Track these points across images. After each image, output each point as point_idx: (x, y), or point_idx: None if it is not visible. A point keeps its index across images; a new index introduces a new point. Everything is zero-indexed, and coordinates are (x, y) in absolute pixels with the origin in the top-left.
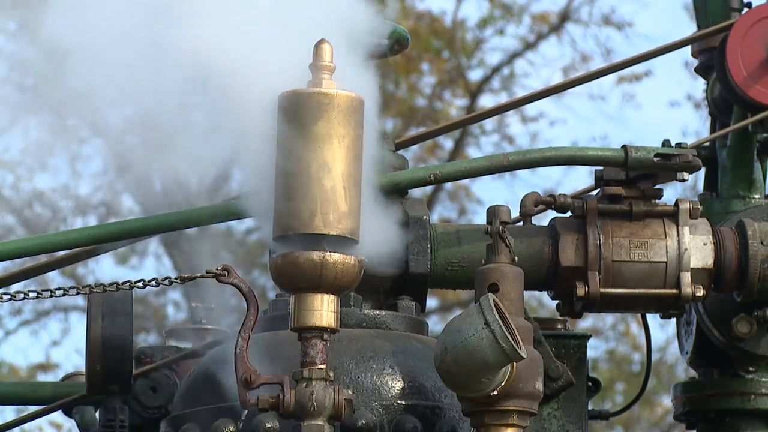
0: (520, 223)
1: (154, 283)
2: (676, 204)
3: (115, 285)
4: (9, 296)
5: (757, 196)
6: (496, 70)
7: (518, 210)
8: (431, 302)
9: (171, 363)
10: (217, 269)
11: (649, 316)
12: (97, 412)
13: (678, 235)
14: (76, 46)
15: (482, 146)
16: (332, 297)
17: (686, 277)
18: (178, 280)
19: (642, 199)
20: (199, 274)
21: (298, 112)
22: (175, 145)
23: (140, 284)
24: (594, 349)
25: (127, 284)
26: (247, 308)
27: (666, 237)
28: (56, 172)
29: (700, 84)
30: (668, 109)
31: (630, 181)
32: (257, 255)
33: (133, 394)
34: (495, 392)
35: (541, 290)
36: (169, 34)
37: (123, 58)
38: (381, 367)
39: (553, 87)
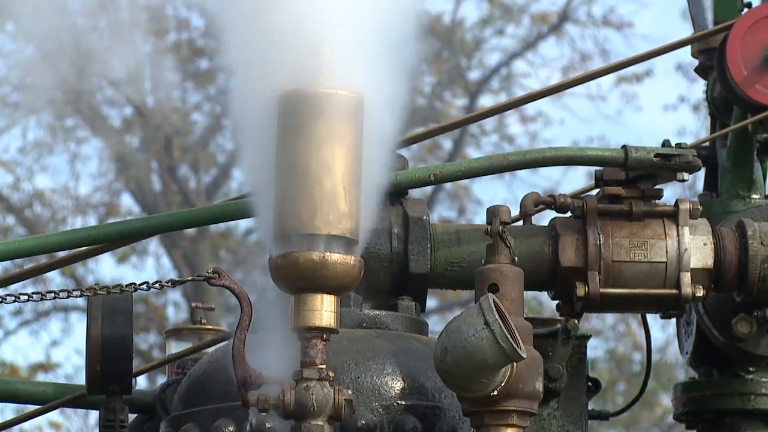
0: (520, 223)
1: (145, 286)
2: (676, 204)
3: (106, 288)
4: (0, 298)
5: (757, 196)
6: (495, 70)
7: (518, 210)
8: (431, 302)
9: (170, 362)
10: (207, 272)
11: (649, 316)
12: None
13: (678, 235)
14: None
15: (482, 146)
16: (332, 297)
17: (686, 278)
18: (169, 284)
19: (642, 199)
20: (190, 277)
21: (299, 112)
22: None
23: (132, 287)
24: (594, 349)
25: (118, 287)
26: (241, 309)
27: (666, 237)
28: (56, 172)
29: (694, 86)
30: (666, 110)
31: (630, 181)
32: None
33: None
34: (495, 392)
35: (541, 290)
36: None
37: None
38: (381, 367)
39: (552, 87)
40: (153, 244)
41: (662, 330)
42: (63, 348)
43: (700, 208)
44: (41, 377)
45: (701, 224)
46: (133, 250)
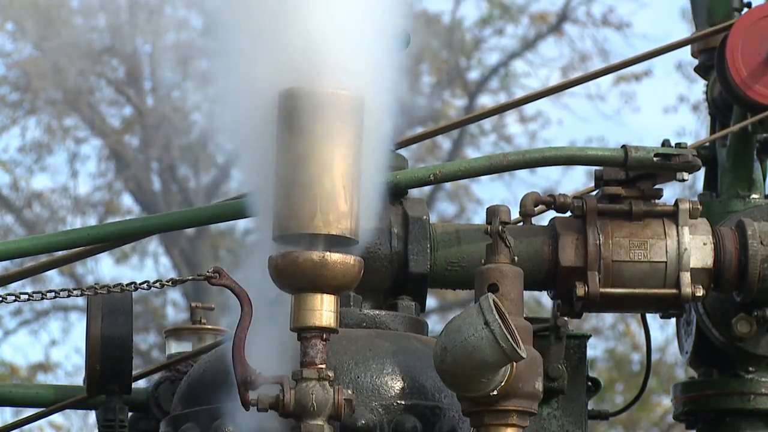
0: (520, 223)
1: (146, 285)
2: (676, 204)
3: (107, 288)
4: (1, 298)
5: (757, 196)
6: (494, 70)
7: (518, 210)
8: (431, 302)
9: (172, 365)
10: (208, 271)
11: (649, 316)
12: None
13: (678, 235)
14: None
15: (481, 146)
16: (332, 297)
17: (686, 277)
18: (170, 283)
19: (642, 199)
20: (191, 277)
21: (298, 112)
22: None
23: (132, 286)
24: (594, 349)
25: (119, 287)
26: (241, 308)
27: (666, 237)
28: (55, 172)
29: (694, 86)
30: (666, 111)
31: (630, 181)
32: None
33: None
34: (495, 392)
35: (541, 290)
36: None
37: None
38: (381, 367)
39: (552, 87)
40: (152, 243)
41: (662, 330)
42: (62, 348)
43: (700, 208)
44: (41, 377)
45: (701, 224)
46: (133, 249)
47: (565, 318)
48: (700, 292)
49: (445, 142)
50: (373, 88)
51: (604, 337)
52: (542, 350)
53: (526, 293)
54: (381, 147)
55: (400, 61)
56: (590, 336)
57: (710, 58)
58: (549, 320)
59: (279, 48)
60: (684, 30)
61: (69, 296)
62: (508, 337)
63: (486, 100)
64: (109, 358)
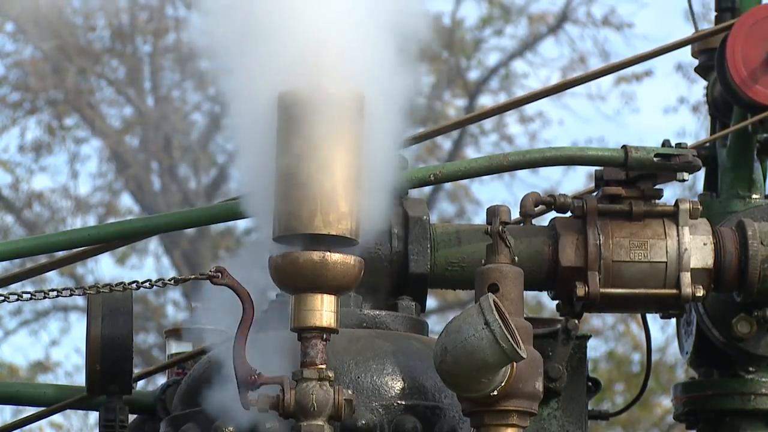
0: (521, 224)
1: (147, 284)
2: (676, 204)
3: (108, 286)
4: (3, 297)
5: (757, 196)
6: (494, 71)
7: (518, 210)
8: (431, 302)
9: (172, 365)
10: (210, 271)
11: (649, 316)
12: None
13: (678, 235)
14: None
15: (481, 146)
16: (332, 297)
17: (686, 277)
18: (172, 282)
19: (642, 199)
20: (192, 276)
21: (298, 112)
22: None
23: (134, 285)
24: (594, 349)
25: (121, 286)
26: (243, 309)
27: (666, 237)
28: (55, 172)
29: (694, 87)
30: (666, 112)
31: (630, 182)
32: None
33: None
34: (495, 392)
35: (541, 290)
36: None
37: None
38: (381, 368)
39: (552, 87)
40: (153, 244)
41: (662, 330)
42: (62, 347)
43: (700, 208)
44: (41, 377)
45: (701, 224)
46: (133, 250)
47: (576, 321)
48: (700, 293)
49: (445, 143)
50: (376, 88)
51: (605, 338)
52: (543, 350)
53: (527, 293)
54: (386, 147)
55: (404, 61)
56: (590, 336)
57: (710, 58)
58: (553, 321)
59: (279, 49)
60: (685, 30)
61: (71, 295)
62: (509, 337)
63: (486, 101)
64: (109, 358)
